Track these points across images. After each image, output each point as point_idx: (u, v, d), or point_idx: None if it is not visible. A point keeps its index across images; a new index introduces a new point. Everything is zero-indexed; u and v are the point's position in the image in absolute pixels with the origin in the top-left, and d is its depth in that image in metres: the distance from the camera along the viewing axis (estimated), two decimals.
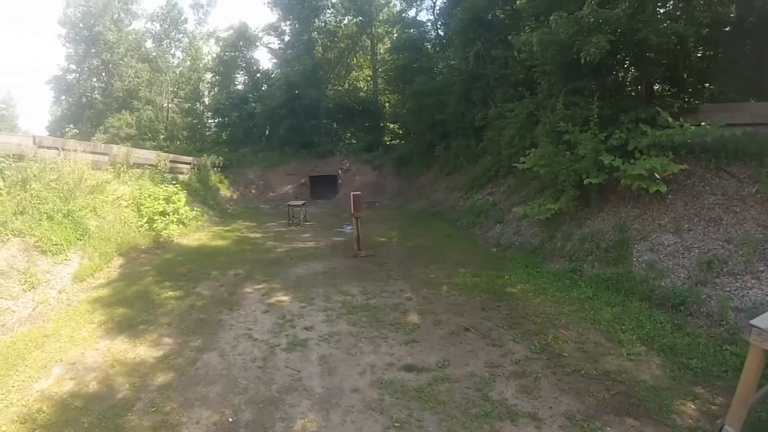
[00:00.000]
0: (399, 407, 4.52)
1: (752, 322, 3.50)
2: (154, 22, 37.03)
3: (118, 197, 12.18)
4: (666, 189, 8.03)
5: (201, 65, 37.92)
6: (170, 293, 8.20)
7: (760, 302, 5.76)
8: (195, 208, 15.86)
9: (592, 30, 8.82)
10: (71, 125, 21.29)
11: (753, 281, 6.14)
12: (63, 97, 35.11)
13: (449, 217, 16.10)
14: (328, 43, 34.57)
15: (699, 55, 10.49)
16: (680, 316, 6.21)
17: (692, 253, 7.06)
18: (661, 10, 10.14)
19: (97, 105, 33.21)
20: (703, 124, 8.10)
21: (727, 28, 9.98)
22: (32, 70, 75.08)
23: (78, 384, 5.01)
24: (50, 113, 37.47)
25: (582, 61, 8.98)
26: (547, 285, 7.96)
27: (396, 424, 4.24)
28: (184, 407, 4.54)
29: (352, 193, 11.72)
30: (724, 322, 5.83)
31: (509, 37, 12.96)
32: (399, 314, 6.98)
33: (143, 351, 5.83)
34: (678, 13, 9.75)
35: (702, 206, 7.71)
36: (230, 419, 4.35)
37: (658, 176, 8.10)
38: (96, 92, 34.18)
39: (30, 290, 7.40)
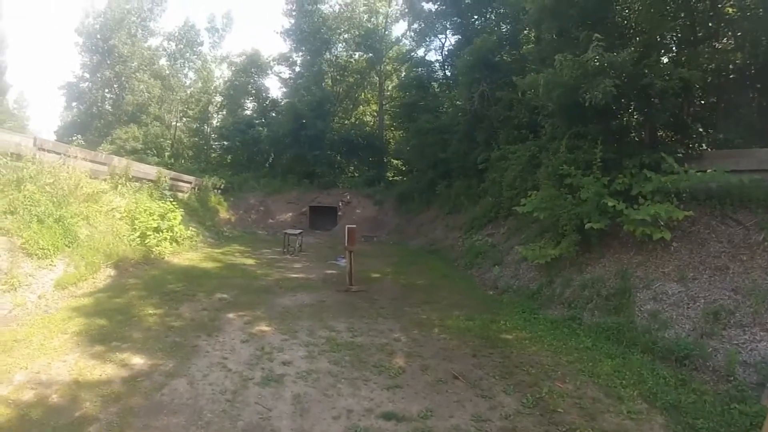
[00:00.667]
0: None
1: None
2: (170, 41, 37.64)
3: (112, 208, 12.10)
4: (670, 236, 7.73)
5: (212, 87, 38.37)
6: (151, 311, 7.92)
7: None
8: (191, 228, 15.70)
9: (597, 73, 8.69)
10: (78, 135, 21.37)
11: (762, 333, 5.78)
12: (74, 104, 35.58)
13: (447, 256, 15.79)
14: (338, 77, 34.94)
15: (703, 102, 10.34)
16: (685, 371, 5.81)
17: (697, 303, 6.70)
18: (665, 59, 10.08)
19: (107, 116, 33.49)
20: (708, 170, 7.86)
21: (732, 76, 9.87)
22: (47, 75, 76.38)
23: (38, 395, 4.77)
24: (60, 119, 38.00)
25: (587, 104, 8.83)
26: (544, 333, 7.56)
27: None
28: None
29: (347, 226, 11.41)
30: (732, 378, 5.43)
31: (514, 79, 12.94)
32: (385, 356, 6.57)
33: (111, 369, 5.54)
34: (683, 59, 9.64)
35: (707, 254, 7.39)
36: None
37: (662, 223, 7.81)
38: (107, 103, 34.55)
39: (9, 291, 7.29)
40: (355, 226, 11.97)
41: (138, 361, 5.85)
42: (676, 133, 10.39)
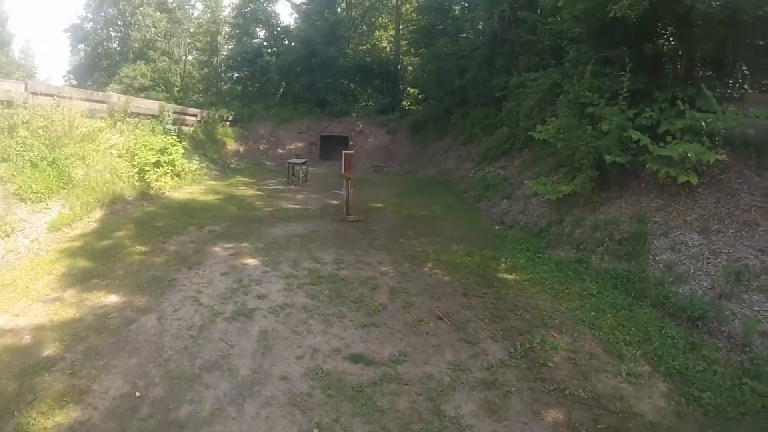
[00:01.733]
0: (327, 408, 3.73)
1: None
2: None
3: (110, 146, 11.68)
4: (697, 180, 6.81)
5: (220, 17, 36.65)
6: (137, 248, 7.63)
7: None
8: (194, 161, 15.36)
9: None
10: (71, 75, 20.74)
11: None
12: (80, 46, 34.35)
13: (457, 188, 15.11)
14: (353, 0, 32.89)
15: (754, 40, 8.98)
16: (697, 333, 5.12)
17: (719, 259, 5.91)
18: None
19: (114, 55, 32.45)
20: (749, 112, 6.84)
21: None
22: (51, 20, 74.06)
23: (13, 337, 4.73)
24: (69, 63, 37.01)
25: (615, 16, 7.69)
26: (546, 274, 6.91)
27: (315, 431, 3.44)
28: (100, 373, 4.16)
29: (344, 152, 10.69)
30: (748, 349, 4.73)
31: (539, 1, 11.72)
32: (367, 290, 6.09)
33: (86, 307, 5.43)
34: None
35: (736, 206, 6.49)
36: (138, 393, 3.89)
37: (689, 165, 6.89)
38: (113, 42, 33.37)
39: (3, 238, 7.21)
40: (352, 152, 11.29)
41: (113, 298, 5.68)
42: (716, 69, 9.18)
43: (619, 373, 4.32)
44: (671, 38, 9.08)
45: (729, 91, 8.56)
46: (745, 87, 9.11)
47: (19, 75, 29.11)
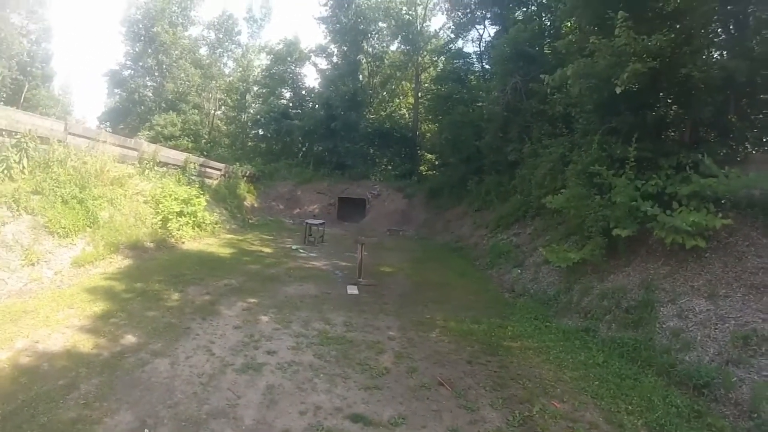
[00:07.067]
0: None
1: None
2: (210, 30, 38.13)
3: (137, 192, 12.36)
4: (705, 244, 6.87)
5: (250, 77, 38.59)
6: (156, 294, 7.94)
7: None
8: (215, 214, 15.95)
9: (632, 59, 7.90)
10: (109, 122, 21.88)
11: None
12: (117, 91, 36.62)
13: (470, 254, 15.22)
14: (375, 69, 34.54)
15: (754, 99, 9.22)
16: (703, 401, 5.06)
17: (727, 325, 5.86)
18: (714, 51, 9.10)
19: (148, 102, 34.35)
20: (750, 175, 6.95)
21: None
22: (91, 63, 79.43)
23: (32, 361, 5.01)
24: (104, 105, 39.44)
25: (618, 91, 8.04)
26: (552, 343, 6.90)
27: None
28: (112, 407, 4.32)
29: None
30: (756, 415, 4.65)
31: (542, 76, 12.25)
32: (373, 354, 6.15)
33: (104, 343, 5.69)
34: (730, 49, 8.64)
35: (744, 269, 6.48)
36: (146, 430, 4.03)
37: (696, 231, 6.95)
38: (148, 90, 35.38)
39: (28, 266, 7.67)
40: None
41: (130, 339, 5.91)
42: (719, 132, 9.39)
43: None
44: (673, 105, 9.36)
45: (734, 154, 8.63)
46: (747, 147, 9.20)
47: (56, 110, 30.78)
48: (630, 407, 4.93)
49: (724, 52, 8.81)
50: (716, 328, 5.92)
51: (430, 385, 5.30)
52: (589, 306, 7.96)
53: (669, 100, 9.36)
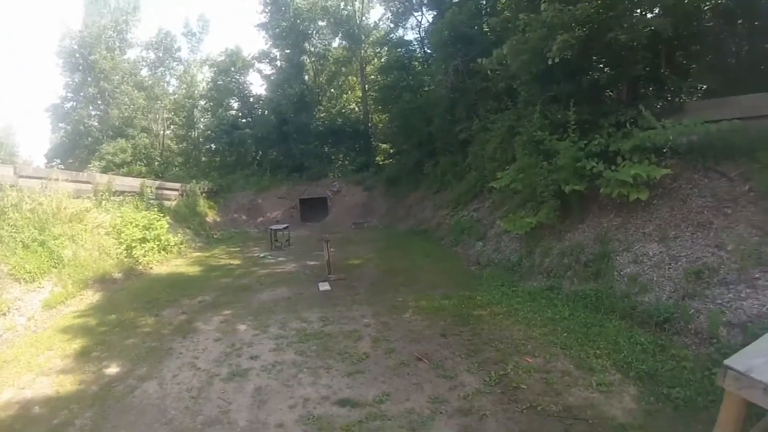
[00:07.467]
0: None
1: (727, 362, 2.65)
2: (149, 50, 37.05)
3: (97, 225, 12.14)
4: (647, 195, 7.25)
5: (196, 92, 37.81)
6: (132, 321, 7.91)
7: (756, 314, 4.96)
8: (179, 234, 15.67)
9: (561, 30, 8.19)
10: (58, 159, 21.19)
11: (748, 290, 5.32)
12: (61, 125, 35.02)
13: (434, 235, 15.44)
14: (320, 67, 34.31)
15: (684, 51, 9.70)
16: (665, 336, 5.40)
17: (679, 263, 6.24)
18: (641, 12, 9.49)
19: (94, 133, 32.96)
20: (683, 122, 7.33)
21: (713, 22, 9.29)
22: (33, 98, 75.76)
23: (22, 408, 5.00)
24: (50, 141, 37.49)
25: (549, 62, 8.34)
26: (520, 305, 7.18)
27: None
28: None
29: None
30: (715, 341, 5.00)
31: (480, 60, 12.52)
32: (351, 342, 6.29)
33: (90, 378, 5.69)
34: (656, 8, 9.03)
35: (689, 210, 6.90)
36: None
37: (641, 182, 7.31)
38: (93, 120, 33.98)
39: (0, 317, 7.51)
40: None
41: (114, 369, 5.94)
42: (656, 86, 9.82)
43: (590, 385, 4.54)
44: (606, 68, 9.72)
45: (669, 103, 9.08)
46: (683, 97, 9.66)
47: (1, 153, 29.37)
48: (598, 351, 5.22)
49: (655, 9, 9.17)
50: (670, 268, 6.29)
51: (408, 362, 5.47)
52: (550, 266, 8.27)
53: (601, 64, 9.72)
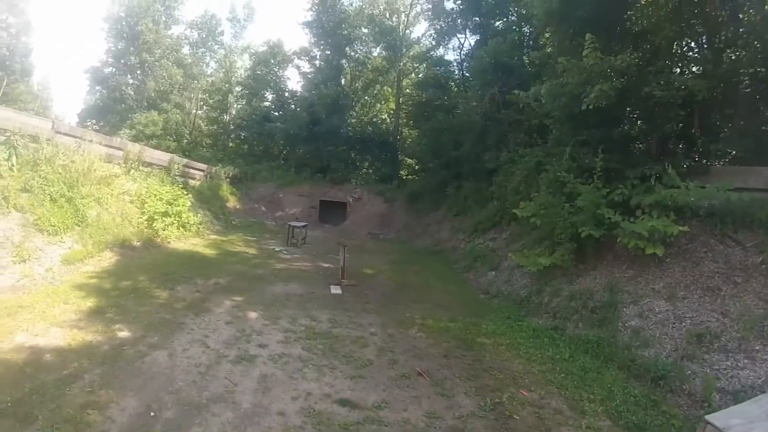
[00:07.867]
0: None
1: (708, 417, 2.88)
2: (193, 30, 37.95)
3: (123, 192, 12.51)
4: (663, 252, 7.44)
5: (233, 78, 38.54)
6: (147, 291, 8.17)
7: (750, 385, 5.14)
8: (199, 214, 16.01)
9: (600, 78, 8.45)
10: (93, 120, 21.76)
11: (746, 361, 5.50)
12: (98, 88, 35.88)
13: (449, 257, 15.67)
14: (357, 73, 34.90)
15: (716, 114, 9.87)
16: (659, 392, 5.58)
17: (683, 324, 6.43)
18: (677, 69, 9.71)
19: (129, 101, 33.83)
20: (708, 186, 7.53)
21: (749, 89, 9.46)
22: (72, 59, 77.74)
23: (34, 353, 5.19)
24: (84, 102, 38.48)
25: (584, 108, 8.61)
26: (523, 340, 7.38)
27: None
28: (118, 394, 4.58)
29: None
30: (707, 404, 5.18)
31: (516, 93, 12.78)
32: (357, 347, 6.54)
33: (102, 337, 5.89)
34: (694, 69, 9.26)
35: (701, 273, 7.07)
36: (152, 413, 4.33)
37: (657, 237, 7.52)
38: (129, 88, 34.86)
39: (19, 263, 7.75)
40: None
41: (127, 333, 6.15)
42: (686, 145, 10.03)
43: (580, 427, 4.73)
44: (638, 120, 9.95)
45: (695, 165, 9.24)
46: (710, 160, 9.83)
47: (34, 106, 30.07)
48: (592, 396, 5.42)
49: (695, 68, 9.37)
50: (673, 327, 6.47)
51: (409, 375, 5.71)
52: (558, 306, 8.46)
53: (634, 116, 9.95)
